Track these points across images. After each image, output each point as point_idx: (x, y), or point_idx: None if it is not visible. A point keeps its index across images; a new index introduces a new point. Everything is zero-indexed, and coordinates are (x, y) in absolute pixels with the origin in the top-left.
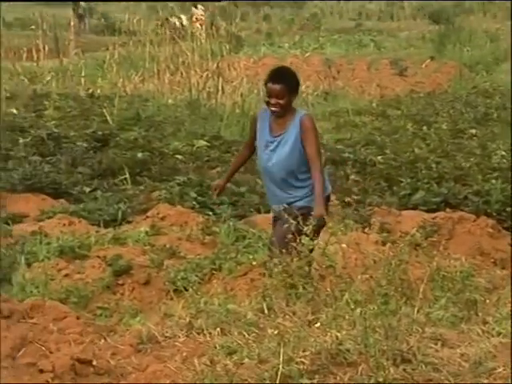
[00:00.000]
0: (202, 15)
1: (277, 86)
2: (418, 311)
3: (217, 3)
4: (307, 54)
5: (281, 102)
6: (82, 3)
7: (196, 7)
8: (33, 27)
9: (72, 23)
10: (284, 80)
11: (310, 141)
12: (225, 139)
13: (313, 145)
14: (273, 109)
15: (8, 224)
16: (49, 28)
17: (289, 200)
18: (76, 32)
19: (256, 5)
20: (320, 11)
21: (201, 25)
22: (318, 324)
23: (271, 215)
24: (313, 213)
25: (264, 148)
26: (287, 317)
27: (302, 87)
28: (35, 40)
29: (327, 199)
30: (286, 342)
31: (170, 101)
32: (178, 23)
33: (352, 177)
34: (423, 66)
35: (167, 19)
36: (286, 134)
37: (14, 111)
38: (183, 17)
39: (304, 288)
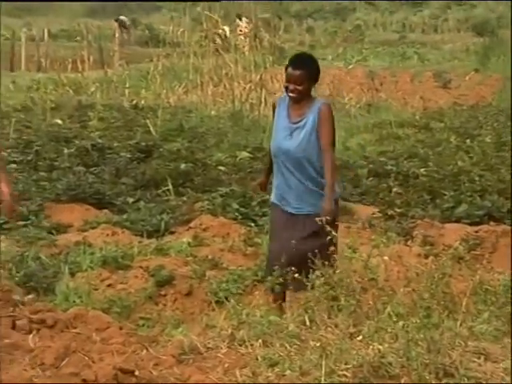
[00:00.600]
0: (246, 27)
1: (296, 72)
2: (460, 325)
3: (260, 15)
4: (350, 66)
5: (299, 88)
6: (124, 19)
7: (240, 19)
8: (78, 38)
9: (116, 35)
10: (304, 66)
11: (324, 130)
12: (267, 151)
13: (327, 134)
14: (290, 94)
15: (52, 234)
16: (94, 39)
17: (304, 197)
18: (120, 43)
19: (299, 17)
20: (363, 23)
21: (245, 37)
22: (360, 337)
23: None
24: (321, 210)
25: (283, 135)
26: (329, 329)
27: (345, 99)
28: (80, 51)
29: (335, 203)
30: (328, 354)
31: (213, 112)
32: (221, 35)
33: (395, 189)
34: (467, 78)
35: (214, 32)
36: (304, 120)
37: (59, 122)
38: (227, 29)
39: (346, 300)
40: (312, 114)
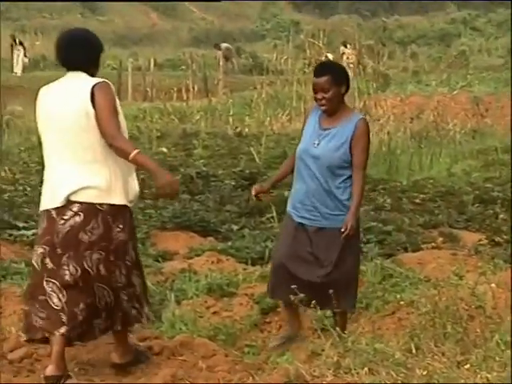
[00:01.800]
0: (350, 54)
1: (321, 79)
2: None
3: (364, 42)
4: (455, 92)
5: (326, 95)
6: (226, 45)
7: (346, 46)
8: (183, 68)
9: (221, 63)
10: (328, 72)
11: (360, 147)
12: (371, 177)
13: (362, 153)
14: (321, 106)
15: (158, 261)
16: (198, 68)
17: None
18: (224, 71)
19: (403, 43)
20: (468, 49)
21: (348, 64)
22: (468, 365)
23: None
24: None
25: (311, 140)
26: (436, 357)
27: (450, 125)
28: (185, 80)
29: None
30: (435, 382)
31: None
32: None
33: (501, 216)
34: None
35: (317, 59)
36: (336, 129)
37: (165, 150)
38: (330, 56)
39: (453, 328)
40: (348, 126)
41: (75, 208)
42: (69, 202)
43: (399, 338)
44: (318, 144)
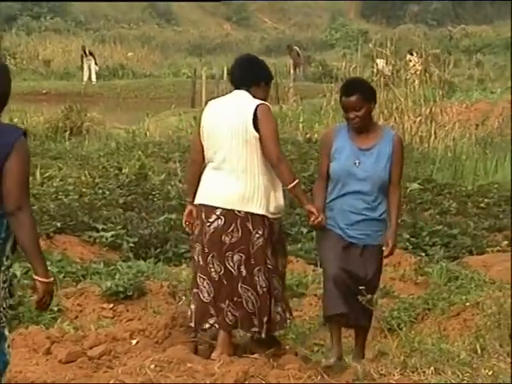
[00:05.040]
0: (416, 62)
1: (352, 98)
2: None
3: (431, 51)
4: None
5: (359, 114)
6: (297, 49)
7: (412, 54)
8: None
9: (291, 71)
10: (357, 90)
11: (398, 165)
12: (437, 182)
13: (400, 170)
14: (353, 123)
15: None
16: None
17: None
18: (294, 79)
19: (469, 52)
20: None
21: (415, 71)
22: None
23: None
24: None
25: (351, 160)
26: (501, 357)
27: None
28: None
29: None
30: (501, 382)
31: None
32: (387, 70)
33: None
34: None
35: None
36: (377, 147)
37: None
38: (380, 62)
39: None
40: (385, 143)
41: (218, 212)
42: (214, 207)
43: (465, 339)
44: (359, 163)
